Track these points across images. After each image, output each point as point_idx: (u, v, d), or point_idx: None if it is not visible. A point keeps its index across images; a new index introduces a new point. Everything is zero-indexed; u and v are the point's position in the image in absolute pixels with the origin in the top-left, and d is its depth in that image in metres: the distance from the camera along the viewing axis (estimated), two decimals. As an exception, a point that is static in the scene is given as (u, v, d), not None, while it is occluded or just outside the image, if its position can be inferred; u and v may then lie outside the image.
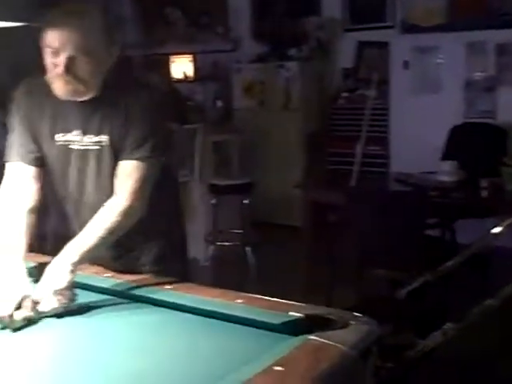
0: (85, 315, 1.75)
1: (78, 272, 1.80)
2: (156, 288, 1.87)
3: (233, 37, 7.18)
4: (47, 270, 1.75)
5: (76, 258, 1.76)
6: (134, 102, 1.89)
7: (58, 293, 1.69)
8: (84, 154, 1.97)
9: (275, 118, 6.38)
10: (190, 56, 7.28)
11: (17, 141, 2.01)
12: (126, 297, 1.86)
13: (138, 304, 1.82)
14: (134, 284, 1.91)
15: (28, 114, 1.99)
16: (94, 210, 1.89)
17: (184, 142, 5.05)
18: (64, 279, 1.72)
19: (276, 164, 6.36)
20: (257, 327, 1.59)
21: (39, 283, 1.74)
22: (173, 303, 1.76)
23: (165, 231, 2.17)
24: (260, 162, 6.29)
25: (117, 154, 1.91)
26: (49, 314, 1.68)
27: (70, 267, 1.74)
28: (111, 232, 1.83)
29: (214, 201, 5.03)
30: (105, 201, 1.88)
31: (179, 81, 7.15)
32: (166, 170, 2.03)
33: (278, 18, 6.79)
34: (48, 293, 1.69)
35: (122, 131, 1.89)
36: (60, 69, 1.78)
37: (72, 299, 1.72)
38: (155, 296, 1.81)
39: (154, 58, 7.04)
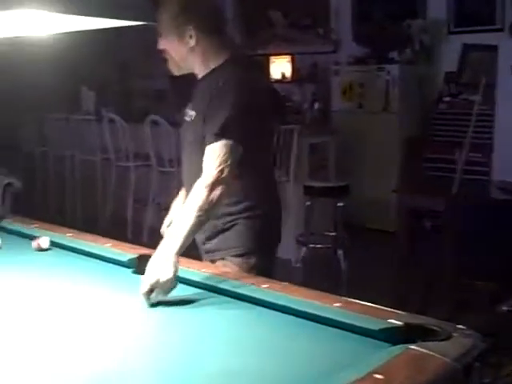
0: (181, 307, 1.79)
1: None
2: (252, 285, 1.87)
3: (333, 38, 7.14)
4: (153, 260, 1.86)
5: (177, 246, 1.88)
6: (219, 90, 2.07)
7: (164, 282, 1.79)
8: (186, 126, 2.26)
9: (373, 121, 6.28)
10: (289, 57, 7.30)
11: None
12: (219, 292, 1.87)
13: (233, 300, 1.83)
14: (229, 279, 1.92)
15: None
16: (190, 183, 2.07)
17: (281, 142, 5.06)
18: (170, 269, 1.82)
19: (372, 167, 6.27)
20: (354, 332, 1.56)
21: (147, 273, 1.83)
22: (268, 302, 1.76)
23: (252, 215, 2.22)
24: (356, 164, 6.22)
25: (203, 133, 2.09)
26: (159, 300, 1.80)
27: (174, 258, 1.85)
28: (205, 210, 1.95)
29: (308, 203, 5.00)
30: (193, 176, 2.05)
31: (277, 81, 7.18)
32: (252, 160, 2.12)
33: (379, 21, 6.69)
34: (157, 282, 1.79)
35: (206, 113, 2.09)
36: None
37: (174, 287, 1.82)
38: (251, 294, 1.81)
39: (255, 59, 7.10)
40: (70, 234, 2.49)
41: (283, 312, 1.71)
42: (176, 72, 2.26)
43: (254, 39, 7.51)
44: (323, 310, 1.64)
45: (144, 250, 2.25)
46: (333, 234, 5.15)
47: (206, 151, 2.04)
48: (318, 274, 4.98)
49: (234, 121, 2.03)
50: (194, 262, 2.12)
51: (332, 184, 5.10)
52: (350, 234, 5.23)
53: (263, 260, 2.25)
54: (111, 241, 2.42)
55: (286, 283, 1.94)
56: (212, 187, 1.97)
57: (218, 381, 1.36)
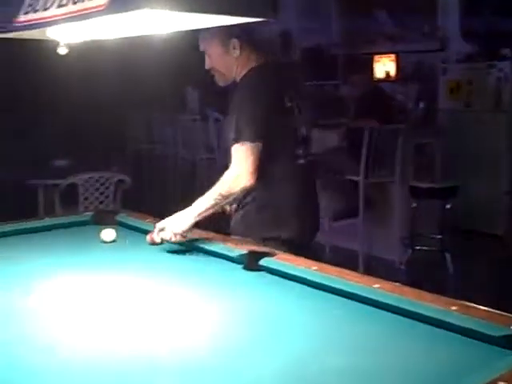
0: (301, 312, 1.79)
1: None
2: (359, 284, 1.84)
3: (440, 36, 6.93)
4: (177, 215, 2.35)
5: (197, 213, 2.34)
6: (239, 95, 2.43)
7: (179, 232, 2.31)
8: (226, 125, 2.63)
9: (483, 120, 6.05)
10: (393, 55, 7.17)
11: None
12: (334, 292, 1.86)
13: (347, 300, 1.81)
14: (334, 277, 1.90)
15: None
16: None
17: (385, 142, 4.97)
18: (186, 224, 2.33)
19: (481, 168, 6.02)
20: (471, 337, 1.50)
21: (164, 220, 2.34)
22: (381, 302, 1.72)
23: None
24: (463, 165, 6.00)
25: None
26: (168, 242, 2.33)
27: (193, 219, 2.34)
28: (224, 197, 2.36)
29: (414, 204, 4.88)
30: None
31: (381, 80, 7.07)
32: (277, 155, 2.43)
33: (489, 17, 6.44)
34: (174, 230, 2.31)
35: (230, 117, 2.43)
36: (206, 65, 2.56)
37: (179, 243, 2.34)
38: (363, 293, 1.78)
39: (358, 58, 7.03)
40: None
41: (394, 313, 1.68)
42: (223, 84, 2.57)
43: (357, 38, 7.42)
44: (440, 313, 1.59)
45: (253, 246, 2.28)
46: (439, 236, 5.00)
47: (231, 150, 2.37)
48: (422, 277, 4.85)
49: (246, 123, 2.35)
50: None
51: (440, 185, 4.95)
52: (457, 236, 5.06)
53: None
54: (220, 236, 2.46)
55: (398, 284, 1.90)
56: (234, 179, 2.35)
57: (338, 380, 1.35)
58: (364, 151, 4.88)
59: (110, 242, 2.47)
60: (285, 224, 2.49)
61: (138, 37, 2.29)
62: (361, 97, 5.24)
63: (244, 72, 2.47)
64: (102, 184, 5.03)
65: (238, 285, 2.02)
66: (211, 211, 2.36)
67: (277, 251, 2.20)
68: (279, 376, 1.37)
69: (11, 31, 2.09)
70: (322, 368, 1.41)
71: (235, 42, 2.44)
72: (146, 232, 2.53)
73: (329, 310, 1.77)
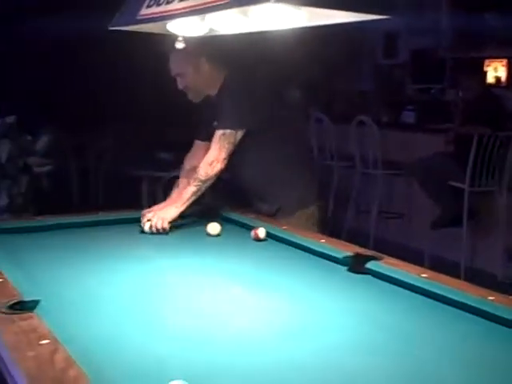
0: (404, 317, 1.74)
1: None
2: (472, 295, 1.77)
3: (557, 41, 6.57)
4: (165, 208, 2.62)
5: (182, 201, 2.62)
6: (224, 98, 2.69)
7: (168, 219, 2.55)
8: None
9: None
10: (505, 60, 6.87)
11: None
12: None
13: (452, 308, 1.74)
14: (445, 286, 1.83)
15: None
16: None
17: (495, 149, 4.76)
18: (174, 213, 2.59)
19: None
20: None
21: (157, 210, 2.61)
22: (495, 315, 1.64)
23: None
24: None
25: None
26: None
27: (180, 208, 2.61)
28: (203, 182, 2.62)
29: (522, 215, 4.66)
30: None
31: (491, 86, 6.79)
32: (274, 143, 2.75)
33: None
34: (162, 216, 2.54)
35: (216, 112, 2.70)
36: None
37: (168, 231, 2.54)
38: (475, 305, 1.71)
39: (467, 61, 6.79)
40: (285, 227, 2.55)
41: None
42: (197, 100, 2.79)
43: (467, 41, 7.17)
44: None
45: (358, 249, 2.24)
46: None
47: (213, 136, 2.65)
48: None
49: (231, 115, 2.64)
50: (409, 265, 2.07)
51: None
52: None
53: None
54: (324, 237, 2.44)
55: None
56: (211, 165, 2.61)
57: None
58: (471, 158, 4.70)
59: (216, 236, 2.51)
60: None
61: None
62: (472, 101, 5.05)
63: (218, 85, 2.73)
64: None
65: (344, 287, 1.98)
66: (194, 198, 2.63)
67: (382, 254, 2.16)
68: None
69: (134, 24, 2.15)
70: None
71: (203, 60, 2.68)
72: (248, 227, 2.57)
73: (439, 320, 1.71)
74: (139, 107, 6.53)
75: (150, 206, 2.75)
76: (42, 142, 4.12)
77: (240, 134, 2.66)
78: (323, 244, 2.31)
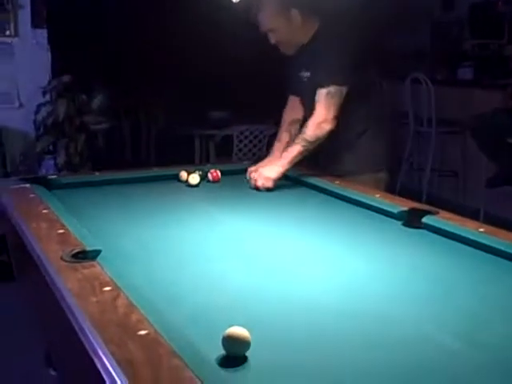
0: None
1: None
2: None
3: None
4: (270, 167, 2.55)
5: (287, 160, 2.55)
6: (323, 50, 2.57)
7: (272, 178, 2.51)
8: (305, 85, 2.70)
9: None
10: None
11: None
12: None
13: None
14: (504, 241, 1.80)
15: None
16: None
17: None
18: (279, 171, 2.53)
19: None
20: None
21: (263, 168, 2.56)
22: None
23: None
24: None
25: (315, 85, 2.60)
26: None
27: (286, 166, 2.55)
28: (311, 143, 2.53)
29: None
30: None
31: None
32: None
33: None
34: (266, 175, 2.51)
35: (317, 68, 2.60)
36: None
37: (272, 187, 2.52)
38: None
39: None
40: (338, 182, 2.54)
41: None
42: (291, 52, 2.69)
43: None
44: None
45: (413, 204, 2.22)
46: None
47: (317, 95, 2.54)
48: None
49: (336, 71, 2.53)
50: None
51: None
52: None
53: None
54: (380, 192, 2.42)
55: None
56: (320, 125, 2.51)
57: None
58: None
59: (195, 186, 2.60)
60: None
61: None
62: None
63: (310, 34, 2.64)
64: (255, 137, 5.12)
65: (399, 240, 1.98)
66: (300, 158, 2.54)
67: (437, 209, 2.13)
68: (453, 333, 1.33)
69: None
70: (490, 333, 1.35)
71: (295, 12, 2.58)
72: (305, 184, 2.58)
73: (498, 275, 1.69)
74: (192, 68, 6.54)
75: (201, 163, 2.77)
76: (98, 101, 4.18)
77: (345, 89, 2.54)
78: (378, 199, 2.29)
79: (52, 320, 1.54)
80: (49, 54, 4.50)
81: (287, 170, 2.54)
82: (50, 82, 4.23)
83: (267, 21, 2.62)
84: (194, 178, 2.59)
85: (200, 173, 2.62)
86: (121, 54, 6.30)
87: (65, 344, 1.39)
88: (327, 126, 2.51)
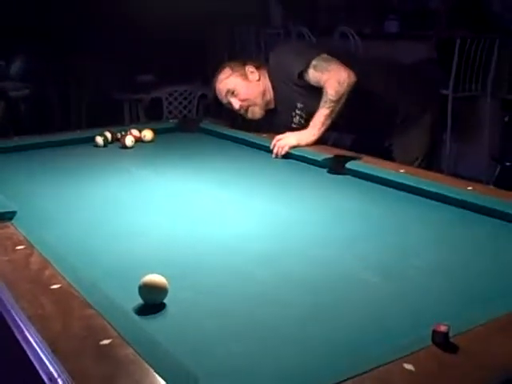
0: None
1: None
2: (451, 186, 1.78)
3: None
4: (300, 133, 2.37)
5: (318, 126, 2.35)
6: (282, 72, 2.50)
7: (303, 144, 2.33)
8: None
9: None
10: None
11: None
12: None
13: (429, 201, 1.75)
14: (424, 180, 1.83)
15: None
16: None
17: (478, 53, 4.69)
18: (312, 138, 2.35)
19: None
20: None
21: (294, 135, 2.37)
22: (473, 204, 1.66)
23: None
24: None
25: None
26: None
27: (317, 132, 2.36)
28: (336, 102, 2.33)
29: (506, 118, 4.64)
30: None
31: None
32: None
33: None
34: (301, 143, 2.34)
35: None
36: None
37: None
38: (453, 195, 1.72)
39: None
40: (265, 136, 2.53)
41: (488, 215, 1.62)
42: (260, 115, 2.56)
43: None
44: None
45: (337, 151, 2.23)
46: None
47: (312, 81, 2.39)
48: (512, 196, 4.65)
49: (303, 52, 2.47)
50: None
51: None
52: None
53: None
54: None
55: (492, 186, 1.82)
56: (336, 82, 2.32)
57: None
58: (454, 63, 4.64)
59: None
60: None
61: None
62: (455, 4, 4.94)
63: (270, 93, 2.55)
64: (185, 98, 5.04)
65: (324, 186, 1.99)
66: (330, 120, 2.35)
67: (361, 154, 2.15)
68: (378, 266, 1.36)
69: None
70: (413, 264, 1.38)
71: (249, 67, 2.54)
72: (228, 138, 2.56)
73: (419, 213, 1.72)
74: (115, 33, 6.36)
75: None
76: (16, 67, 4.02)
77: (324, 54, 2.43)
78: (305, 149, 2.29)
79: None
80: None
81: (320, 136, 2.36)
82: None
83: (224, 84, 2.53)
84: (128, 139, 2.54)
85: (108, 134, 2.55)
86: (43, 18, 6.05)
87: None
88: (345, 81, 2.33)
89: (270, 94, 2.55)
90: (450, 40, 4.68)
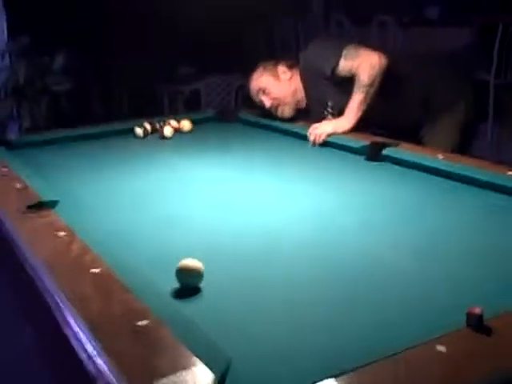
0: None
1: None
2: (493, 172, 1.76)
3: None
4: (337, 121, 2.38)
5: (353, 112, 2.34)
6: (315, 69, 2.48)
7: (339, 132, 2.33)
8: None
9: None
10: None
11: None
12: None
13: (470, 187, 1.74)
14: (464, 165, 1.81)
15: None
16: None
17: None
18: (349, 124, 2.34)
19: None
20: None
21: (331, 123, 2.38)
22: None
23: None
24: None
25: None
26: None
27: (354, 118, 2.34)
28: (369, 85, 2.31)
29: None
30: None
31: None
32: None
33: None
34: (338, 130, 2.34)
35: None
36: None
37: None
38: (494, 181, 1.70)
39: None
40: (301, 123, 2.54)
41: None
42: (290, 114, 2.59)
43: None
44: None
45: (374, 138, 2.22)
46: None
47: (344, 70, 2.37)
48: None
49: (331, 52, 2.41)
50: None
51: None
52: None
53: None
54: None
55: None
56: (367, 66, 2.31)
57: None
58: (496, 49, 4.55)
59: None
60: None
61: None
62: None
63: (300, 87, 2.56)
64: (223, 89, 5.07)
65: (361, 175, 1.99)
66: (365, 106, 2.34)
67: (398, 141, 2.13)
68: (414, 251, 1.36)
69: None
70: (449, 250, 1.37)
71: (281, 67, 2.56)
72: (266, 127, 2.57)
73: (456, 198, 1.71)
74: (152, 26, 6.42)
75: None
76: (59, 61, 4.10)
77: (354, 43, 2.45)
78: (342, 137, 2.29)
79: (13, 268, 1.54)
80: (4, 16, 4.37)
81: (357, 121, 2.35)
82: (6, 45, 4.13)
83: (256, 82, 2.57)
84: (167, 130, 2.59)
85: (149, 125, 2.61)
86: (85, 14, 6.14)
87: (25, 290, 1.39)
88: (377, 63, 2.31)
89: (301, 94, 2.57)
90: (493, 25, 4.59)
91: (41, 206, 1.60)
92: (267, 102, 2.55)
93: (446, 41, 5.22)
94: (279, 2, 6.56)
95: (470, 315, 0.97)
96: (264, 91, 2.55)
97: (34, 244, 1.33)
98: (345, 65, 2.37)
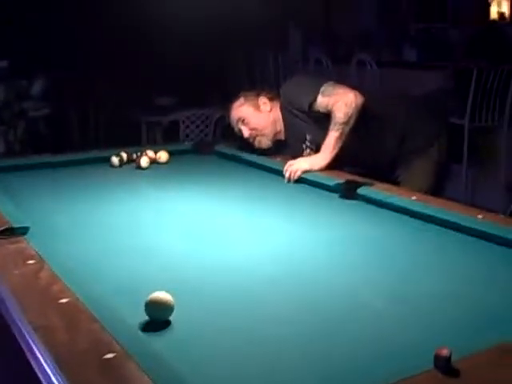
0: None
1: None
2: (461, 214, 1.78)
3: None
4: (312, 157, 2.41)
5: (329, 149, 2.36)
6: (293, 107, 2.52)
7: (316, 169, 2.35)
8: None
9: None
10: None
11: None
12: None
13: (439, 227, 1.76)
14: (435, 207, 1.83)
15: None
16: None
17: (496, 83, 4.70)
18: (324, 161, 2.36)
19: None
20: None
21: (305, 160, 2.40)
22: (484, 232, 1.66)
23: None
24: None
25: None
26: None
27: (329, 155, 2.36)
28: (345, 123, 2.34)
29: (522, 149, 4.63)
30: None
31: (494, 22, 6.67)
32: None
33: None
34: (314, 167, 2.35)
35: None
36: None
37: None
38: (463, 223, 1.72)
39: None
40: (279, 159, 2.55)
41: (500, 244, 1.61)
42: (267, 145, 2.61)
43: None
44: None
45: (349, 176, 2.24)
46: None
47: (320, 107, 2.40)
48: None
49: (310, 87, 2.46)
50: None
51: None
52: None
53: None
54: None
55: (502, 215, 1.82)
56: (343, 105, 2.34)
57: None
58: (471, 93, 4.65)
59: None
60: None
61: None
62: (474, 35, 4.96)
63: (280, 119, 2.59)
64: (202, 121, 5.09)
65: (335, 212, 2.00)
66: (341, 143, 2.35)
67: (373, 181, 2.16)
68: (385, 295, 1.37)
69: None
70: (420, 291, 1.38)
71: (262, 98, 2.59)
72: (242, 161, 2.58)
73: (430, 239, 1.72)
74: (138, 56, 6.46)
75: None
76: (38, 86, 4.09)
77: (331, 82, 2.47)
78: (317, 174, 2.31)
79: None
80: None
81: (333, 158, 2.36)
82: (-17, 68, 4.12)
83: (236, 112, 2.61)
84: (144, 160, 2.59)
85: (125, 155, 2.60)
86: (65, 38, 6.15)
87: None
88: (353, 102, 2.34)
89: (280, 126, 2.60)
90: (468, 70, 4.69)
91: (11, 232, 1.58)
92: (246, 132, 2.58)
93: (422, 83, 5.33)
94: (261, 34, 6.66)
95: (437, 357, 0.98)
96: (243, 121, 2.58)
97: (1, 271, 1.31)
98: (322, 101, 2.40)
